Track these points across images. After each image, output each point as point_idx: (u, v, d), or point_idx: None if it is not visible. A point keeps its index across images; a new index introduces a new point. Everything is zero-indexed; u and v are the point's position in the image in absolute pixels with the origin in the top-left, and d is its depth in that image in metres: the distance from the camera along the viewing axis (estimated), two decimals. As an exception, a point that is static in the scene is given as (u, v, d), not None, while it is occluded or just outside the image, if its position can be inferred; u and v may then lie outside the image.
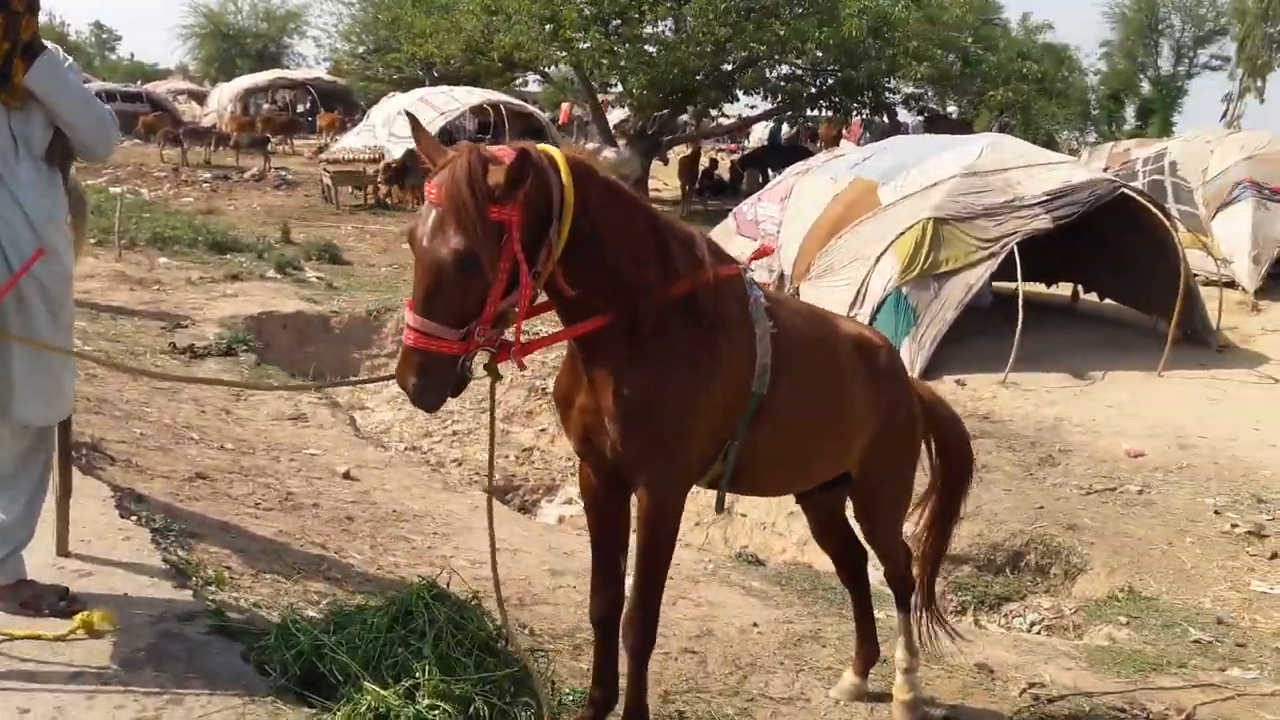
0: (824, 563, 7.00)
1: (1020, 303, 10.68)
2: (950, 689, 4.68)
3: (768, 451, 3.43)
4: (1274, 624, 5.90)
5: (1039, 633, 6.35)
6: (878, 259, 11.13)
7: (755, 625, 5.11)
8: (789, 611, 5.40)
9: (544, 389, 10.45)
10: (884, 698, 4.50)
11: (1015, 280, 10.93)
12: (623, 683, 3.45)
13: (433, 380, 2.77)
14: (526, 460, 9.94)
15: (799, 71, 23.20)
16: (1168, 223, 11.77)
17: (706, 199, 24.07)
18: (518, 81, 27.58)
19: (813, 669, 4.66)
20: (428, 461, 9.05)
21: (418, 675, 2.96)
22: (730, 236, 13.14)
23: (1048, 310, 13.12)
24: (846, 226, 11.64)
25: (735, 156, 31.68)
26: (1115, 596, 6.32)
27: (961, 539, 6.81)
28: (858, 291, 11.16)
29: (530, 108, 30.01)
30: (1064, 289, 14.60)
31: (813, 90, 23.49)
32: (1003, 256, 11.00)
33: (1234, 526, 7.13)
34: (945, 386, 10.44)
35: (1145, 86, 53.99)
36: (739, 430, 3.31)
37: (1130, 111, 55.31)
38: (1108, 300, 13.91)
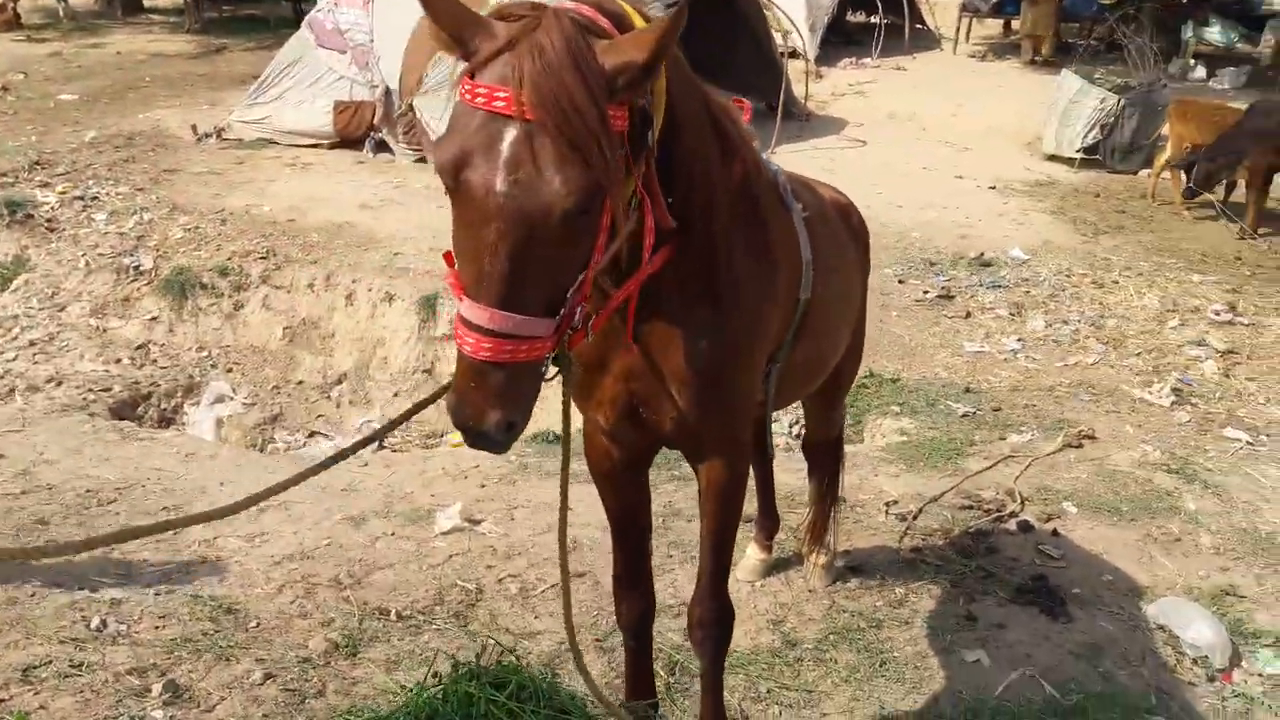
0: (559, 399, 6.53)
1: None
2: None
3: (800, 364, 2.77)
4: (1001, 379, 6.49)
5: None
6: (503, 65, 10.13)
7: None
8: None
9: (133, 266, 8.46)
10: (787, 564, 4.26)
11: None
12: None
13: (523, 409, 1.78)
14: (146, 360, 8.06)
15: None
16: (773, 10, 12.00)
17: (221, 6, 20.57)
18: None
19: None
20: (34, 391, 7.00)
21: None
22: (309, 50, 11.25)
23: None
24: (460, 30, 10.39)
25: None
26: (864, 385, 6.53)
27: None
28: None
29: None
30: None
31: None
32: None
33: (925, 294, 7.68)
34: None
35: None
36: (783, 350, 2.59)
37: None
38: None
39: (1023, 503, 4.90)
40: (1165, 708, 3.53)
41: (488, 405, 1.73)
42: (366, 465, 4.90)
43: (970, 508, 4.84)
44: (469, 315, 1.70)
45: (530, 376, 1.78)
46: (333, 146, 10.95)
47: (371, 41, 11.02)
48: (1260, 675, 3.80)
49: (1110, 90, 11.10)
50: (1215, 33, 15.75)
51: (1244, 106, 9.27)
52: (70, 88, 13.63)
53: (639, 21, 1.89)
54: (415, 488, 4.69)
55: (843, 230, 3.15)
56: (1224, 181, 9.63)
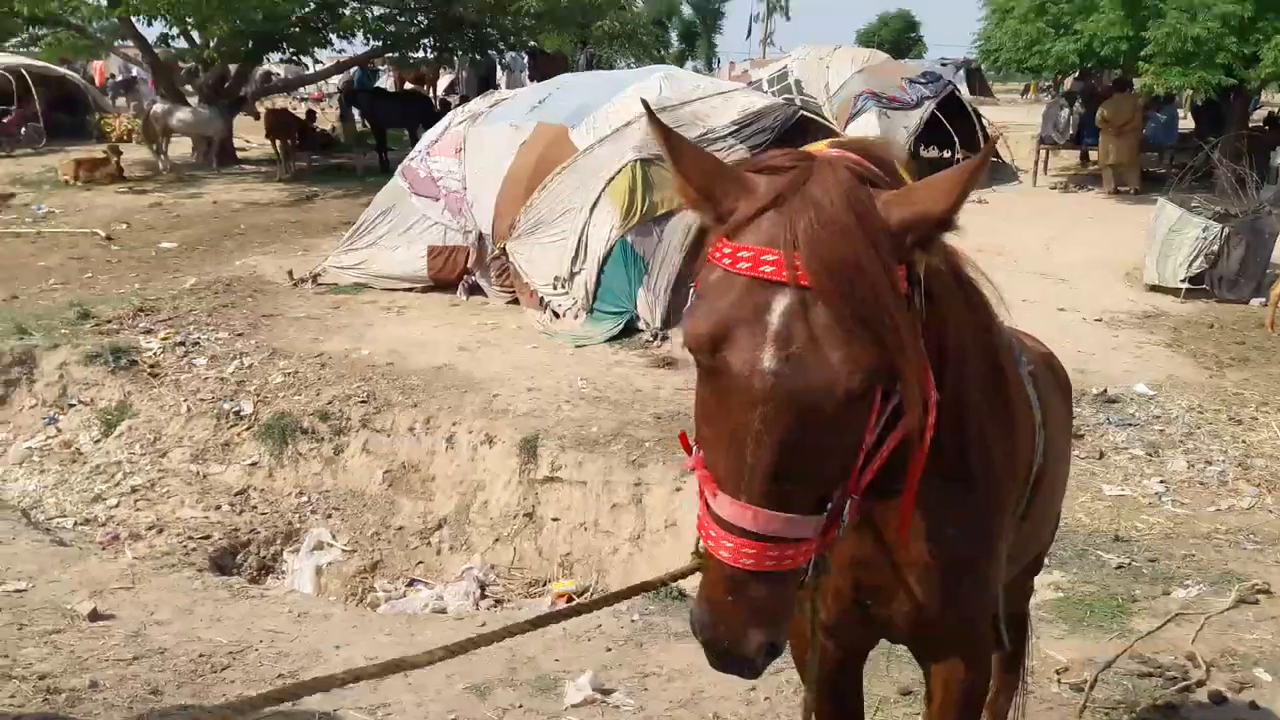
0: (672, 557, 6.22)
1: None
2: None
3: (1024, 537, 2.47)
4: (1150, 526, 6.03)
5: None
6: (592, 208, 10.24)
7: (753, 689, 4.15)
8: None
9: (233, 410, 8.45)
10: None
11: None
12: None
13: (785, 626, 1.56)
14: (246, 506, 7.95)
15: (394, 10, 21.26)
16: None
17: (310, 156, 21.48)
18: (44, 37, 22.46)
19: None
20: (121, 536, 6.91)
21: None
22: (403, 198, 11.52)
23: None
24: (547, 176, 10.57)
25: (324, 104, 28.74)
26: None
27: None
28: (578, 244, 10.21)
29: (62, 70, 25.00)
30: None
31: (412, 30, 21.71)
32: (715, 190, 10.59)
33: (1050, 433, 7.29)
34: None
35: (686, 10, 57.55)
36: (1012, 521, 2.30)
37: (674, 35, 58.85)
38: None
39: (1208, 670, 4.41)
40: None
41: (748, 624, 1.49)
42: (485, 625, 4.61)
43: (1150, 675, 4.37)
44: (726, 514, 1.47)
45: (792, 585, 1.54)
46: (426, 290, 11.07)
47: (464, 188, 11.26)
48: None
49: (1211, 218, 10.81)
50: (1300, 159, 15.50)
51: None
52: (170, 236, 14.12)
53: (900, 167, 1.70)
54: (537, 651, 4.38)
55: (1055, 384, 2.88)
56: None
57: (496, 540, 7.35)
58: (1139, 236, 12.31)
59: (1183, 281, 10.96)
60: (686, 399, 8.16)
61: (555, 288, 10.23)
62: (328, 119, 25.65)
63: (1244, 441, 7.12)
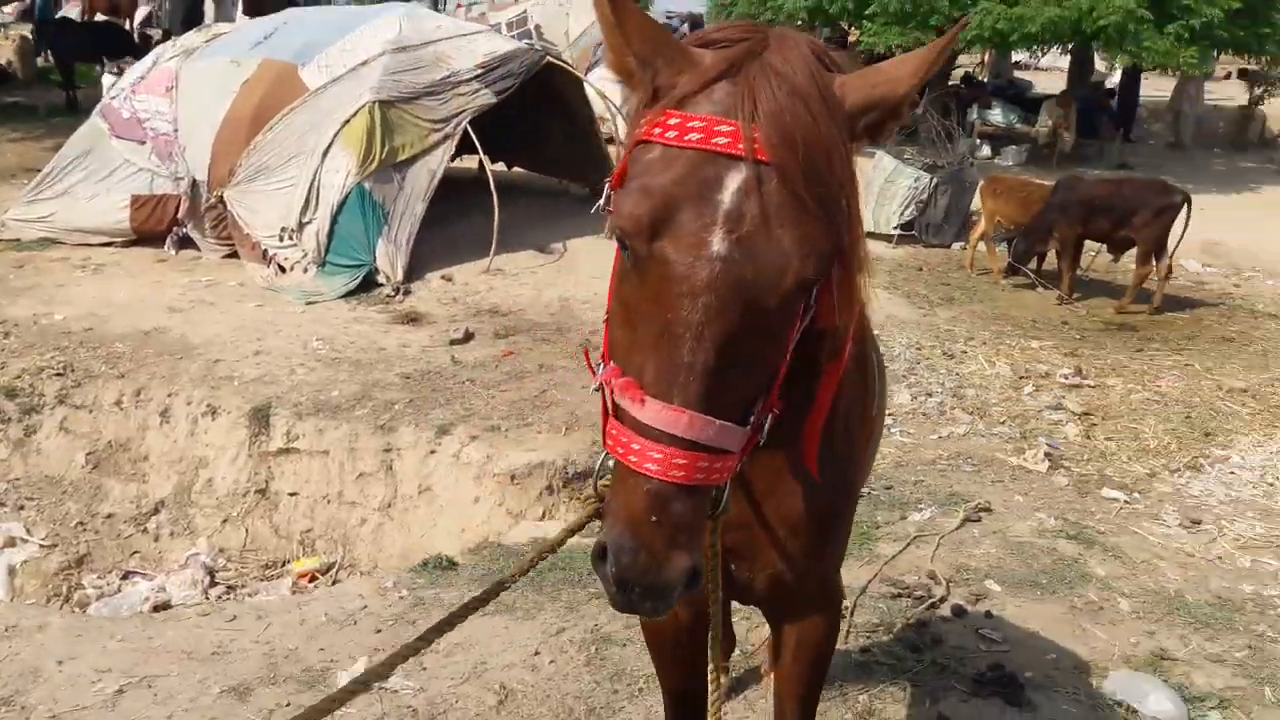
0: (499, 524, 5.98)
1: (492, 185, 10.05)
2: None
3: None
4: (883, 456, 6.42)
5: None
6: (325, 153, 9.54)
7: (536, 654, 4.02)
8: (554, 617, 4.34)
9: None
10: (744, 684, 3.89)
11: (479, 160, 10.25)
12: None
13: (699, 548, 1.38)
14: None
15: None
16: (590, 88, 11.99)
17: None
18: None
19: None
20: None
21: None
22: (105, 142, 10.24)
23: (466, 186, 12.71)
24: (274, 117, 9.72)
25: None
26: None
27: (580, 452, 6.28)
28: (309, 191, 9.48)
29: None
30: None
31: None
32: (458, 137, 10.18)
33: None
34: (434, 285, 9.57)
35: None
36: None
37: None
38: (516, 169, 13.93)
39: (948, 586, 4.75)
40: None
41: (672, 546, 1.31)
42: (234, 620, 4.16)
43: (900, 595, 4.64)
44: (656, 421, 1.29)
45: (708, 508, 1.39)
46: (128, 245, 9.92)
47: (175, 130, 10.16)
48: (1219, 743, 3.74)
49: (921, 169, 11.70)
50: (997, 115, 17.13)
51: (1049, 183, 9.95)
52: None
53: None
54: (298, 642, 4.00)
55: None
56: (1037, 253, 10.28)
57: (225, 521, 6.72)
58: (862, 187, 13.11)
59: (895, 228, 11.80)
60: (436, 357, 7.86)
61: (282, 239, 9.46)
62: (2, 51, 22.37)
63: (957, 374, 7.76)
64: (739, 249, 1.27)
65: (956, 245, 11.72)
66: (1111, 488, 6.03)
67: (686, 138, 1.30)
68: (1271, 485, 6.02)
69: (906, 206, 11.64)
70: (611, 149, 13.41)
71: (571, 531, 1.77)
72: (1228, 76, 22.64)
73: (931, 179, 11.53)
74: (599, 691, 3.78)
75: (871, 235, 12.05)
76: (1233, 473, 6.20)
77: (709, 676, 2.04)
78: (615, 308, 1.44)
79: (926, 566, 4.93)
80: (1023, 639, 4.34)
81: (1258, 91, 19.65)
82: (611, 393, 1.39)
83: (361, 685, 1.66)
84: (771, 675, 3.74)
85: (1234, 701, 3.89)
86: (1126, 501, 5.86)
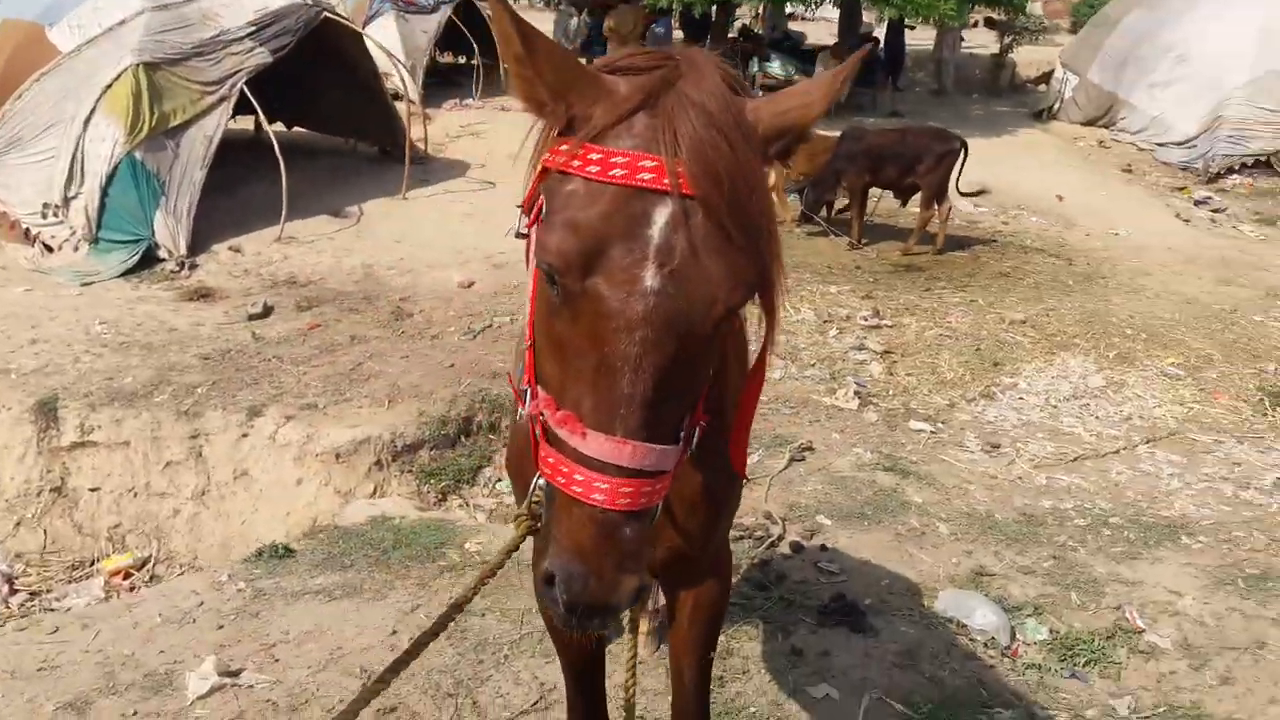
0: (327, 505, 5.74)
1: (277, 148, 9.50)
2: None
3: None
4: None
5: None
6: (86, 121, 8.72)
7: (394, 633, 3.92)
8: (405, 596, 4.23)
9: None
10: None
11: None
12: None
13: (644, 566, 1.41)
14: None
15: None
16: (370, 42, 11.48)
17: None
18: None
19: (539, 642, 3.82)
20: None
21: None
22: None
23: (246, 150, 11.96)
24: (23, 83, 8.78)
25: None
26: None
27: (407, 425, 6.15)
28: (72, 163, 8.66)
29: None
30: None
31: None
32: (234, 99, 9.53)
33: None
34: (222, 257, 9.00)
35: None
36: None
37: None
38: (297, 130, 13.22)
39: (784, 524, 4.99)
40: (993, 696, 3.70)
41: (621, 569, 1.34)
42: (57, 631, 3.81)
43: (742, 537, 4.83)
44: (600, 454, 1.31)
45: (649, 526, 1.40)
46: None
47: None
48: (1034, 644, 4.13)
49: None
50: (776, 67, 17.68)
51: (833, 134, 10.40)
52: None
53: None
54: (134, 646, 3.72)
55: None
56: (827, 201, 10.78)
57: (18, 524, 6.13)
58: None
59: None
60: (235, 335, 7.41)
61: (45, 216, 8.63)
62: None
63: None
64: (671, 283, 1.28)
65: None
66: (917, 420, 6.47)
67: (611, 173, 1.30)
68: (1055, 408, 6.65)
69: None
70: (400, 105, 12.99)
71: (509, 553, 1.74)
72: (975, 25, 24.40)
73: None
74: (464, 664, 3.74)
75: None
76: (1021, 398, 6.80)
77: (627, 639, 2.07)
78: (542, 340, 1.43)
79: (762, 507, 5.15)
80: (857, 568, 4.62)
81: (1007, 40, 21.32)
82: (543, 423, 1.41)
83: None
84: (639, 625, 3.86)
85: (1046, 608, 4.30)
86: (932, 432, 6.31)
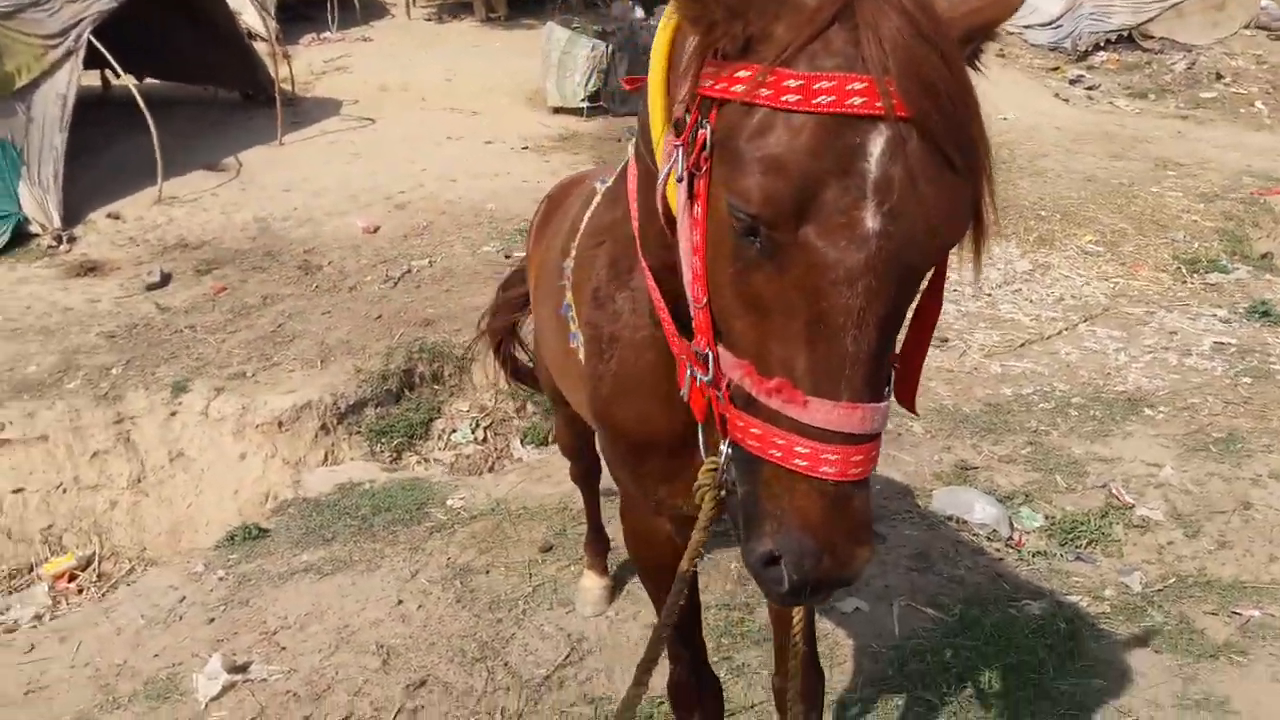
0: (277, 477, 5.41)
1: (141, 102, 8.74)
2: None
3: None
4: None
5: (483, 433, 5.98)
6: (-81, 87, 7.82)
7: (400, 603, 3.72)
8: (401, 562, 4.01)
9: None
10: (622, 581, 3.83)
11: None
12: None
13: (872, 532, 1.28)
14: None
15: None
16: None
17: None
18: None
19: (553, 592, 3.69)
20: None
21: None
22: None
23: (97, 107, 10.99)
24: None
25: None
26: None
27: (346, 384, 5.85)
28: (-90, 138, 7.79)
29: None
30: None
31: None
32: (82, 51, 8.68)
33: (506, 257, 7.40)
34: (102, 226, 8.30)
35: None
36: None
37: None
38: (150, 81, 12.23)
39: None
40: (1016, 589, 3.75)
41: (856, 541, 1.20)
42: (34, 649, 3.46)
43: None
44: (827, 422, 1.16)
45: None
46: None
47: None
48: (1033, 531, 4.22)
49: (596, 37, 11.58)
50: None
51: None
52: None
53: None
54: (124, 654, 3.42)
55: None
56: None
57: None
58: (526, 61, 12.81)
59: (583, 101, 11.69)
60: (137, 307, 6.86)
61: (-110, 199, 7.74)
62: None
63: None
64: (891, 221, 1.12)
65: (646, 111, 11.83)
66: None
67: (815, 101, 1.10)
68: (990, 296, 6.76)
69: (589, 77, 11.53)
70: (260, 46, 12.15)
71: (705, 531, 1.55)
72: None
73: (607, 45, 11.47)
74: (482, 625, 3.58)
75: (561, 110, 11.90)
76: (955, 289, 6.88)
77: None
78: (730, 299, 1.25)
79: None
80: (846, 476, 4.61)
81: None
82: (744, 392, 1.25)
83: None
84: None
85: (1036, 494, 4.38)
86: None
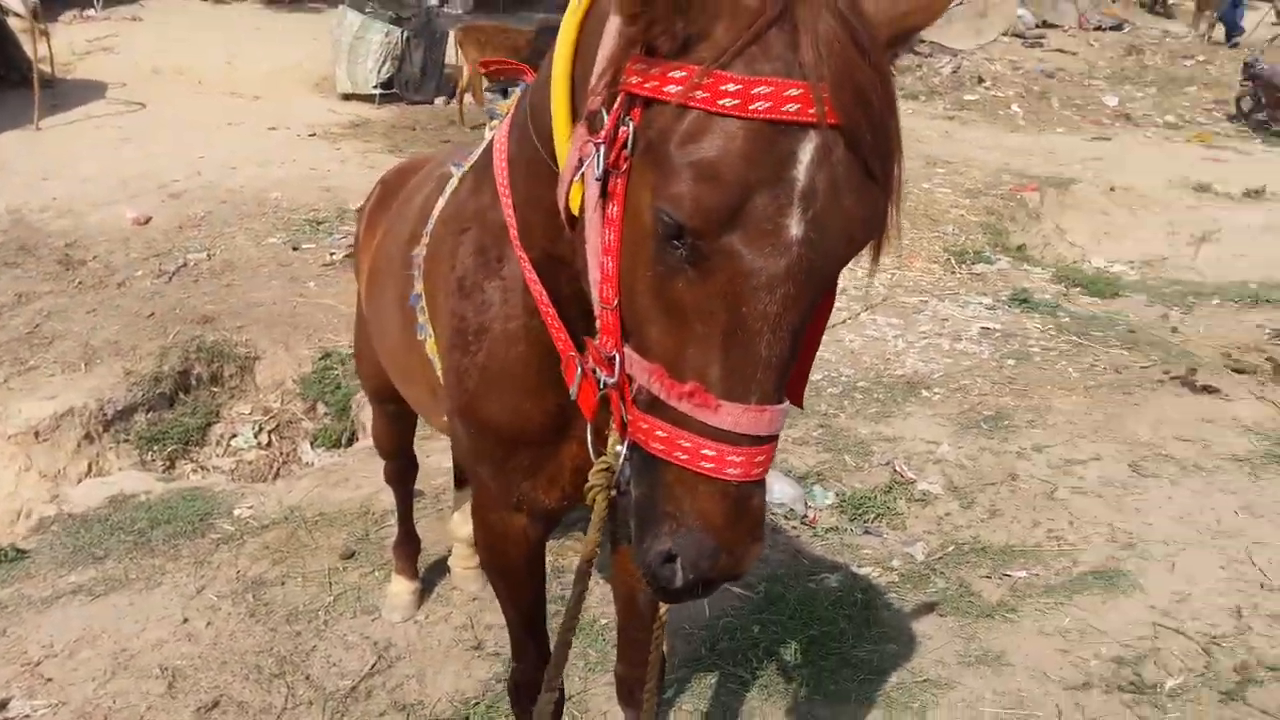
0: (34, 492, 4.92)
1: None
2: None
3: None
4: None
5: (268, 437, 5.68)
6: None
7: (186, 621, 3.47)
8: (185, 578, 3.74)
9: None
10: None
11: None
12: None
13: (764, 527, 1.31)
14: None
15: None
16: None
17: None
18: None
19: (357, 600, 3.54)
20: None
21: None
22: None
23: None
24: None
25: None
26: (332, 367, 5.93)
27: (114, 388, 5.43)
28: None
29: None
30: None
31: None
32: None
33: (332, 255, 7.12)
34: None
35: None
36: None
37: None
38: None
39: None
40: (814, 564, 3.91)
41: (752, 539, 1.23)
42: None
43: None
44: (737, 425, 1.16)
45: None
46: None
47: None
48: (824, 508, 4.42)
49: (390, 23, 11.24)
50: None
51: (528, 28, 10.11)
52: None
53: None
54: None
55: None
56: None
57: None
58: (314, 45, 12.29)
59: (376, 87, 11.32)
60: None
61: None
62: None
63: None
64: (814, 230, 1.12)
65: (439, 100, 11.59)
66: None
67: (752, 106, 1.08)
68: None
69: (383, 63, 11.18)
70: (14, 22, 11.05)
71: (599, 530, 1.49)
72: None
73: (402, 32, 11.15)
74: (279, 638, 3.39)
75: (351, 97, 11.48)
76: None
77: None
78: (647, 302, 1.21)
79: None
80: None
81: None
82: (649, 394, 1.23)
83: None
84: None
85: (827, 474, 4.59)
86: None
